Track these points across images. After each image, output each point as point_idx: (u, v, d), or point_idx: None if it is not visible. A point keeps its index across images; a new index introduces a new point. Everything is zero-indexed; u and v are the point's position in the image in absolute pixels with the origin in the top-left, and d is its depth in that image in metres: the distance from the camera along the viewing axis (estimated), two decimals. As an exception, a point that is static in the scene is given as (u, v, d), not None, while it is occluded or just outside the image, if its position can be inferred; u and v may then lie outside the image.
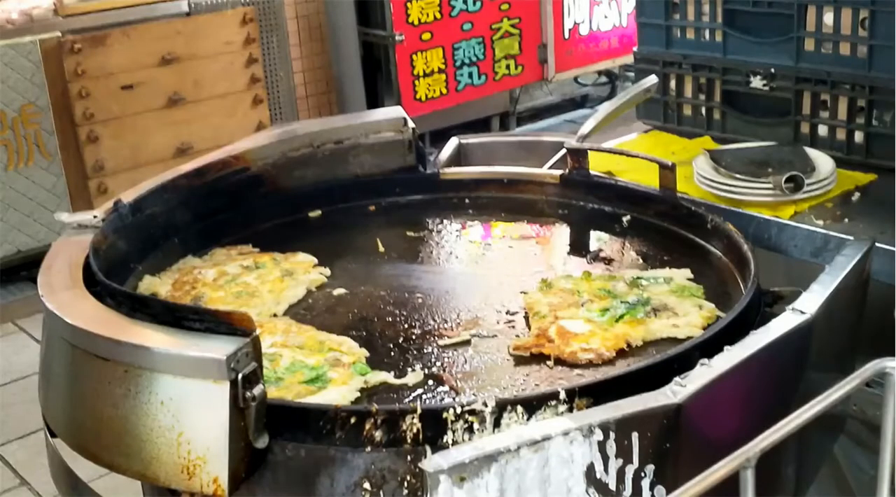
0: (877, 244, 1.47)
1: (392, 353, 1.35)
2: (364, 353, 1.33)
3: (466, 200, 1.87)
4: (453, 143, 2.13)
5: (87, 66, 3.85)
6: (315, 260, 1.63)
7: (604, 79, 6.13)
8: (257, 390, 1.06)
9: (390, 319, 1.45)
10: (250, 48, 4.34)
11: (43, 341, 1.30)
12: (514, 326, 1.41)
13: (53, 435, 1.25)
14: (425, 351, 1.35)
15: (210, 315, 1.11)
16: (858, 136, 1.91)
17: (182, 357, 1.07)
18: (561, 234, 1.78)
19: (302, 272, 1.57)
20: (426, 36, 4.94)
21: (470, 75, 5.21)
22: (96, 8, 3.93)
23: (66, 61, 3.82)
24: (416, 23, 4.88)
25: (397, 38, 4.79)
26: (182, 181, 1.63)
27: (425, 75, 5.01)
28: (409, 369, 1.29)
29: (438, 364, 1.31)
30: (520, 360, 1.31)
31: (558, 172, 1.85)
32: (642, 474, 1.05)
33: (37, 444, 2.76)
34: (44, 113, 3.83)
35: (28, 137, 3.81)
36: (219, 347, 1.05)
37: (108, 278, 1.32)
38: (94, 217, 1.44)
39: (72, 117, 3.88)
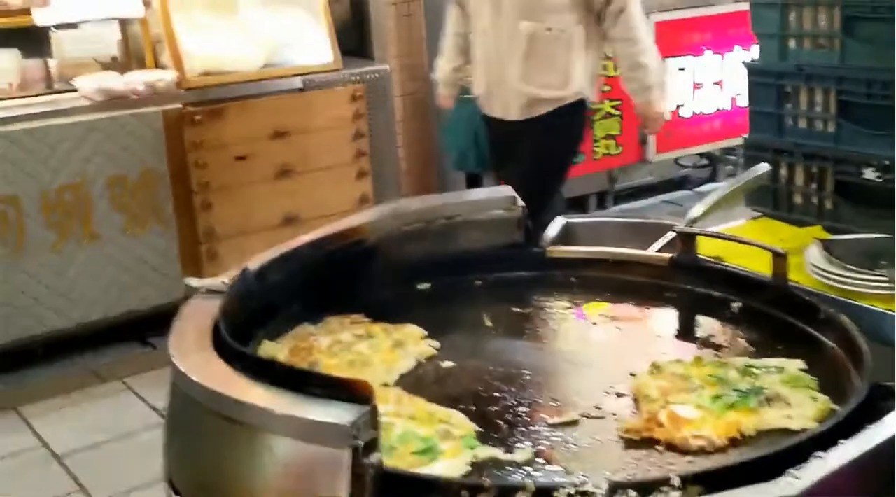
0: None
1: (500, 429, 1.36)
2: (473, 426, 1.35)
3: (573, 279, 1.89)
4: (560, 221, 2.16)
5: (205, 136, 4.04)
6: (425, 332, 1.67)
7: (704, 161, 6.11)
8: (374, 458, 1.09)
9: (498, 395, 1.47)
10: (358, 123, 4.50)
11: (170, 400, 1.37)
12: (623, 409, 1.41)
13: (177, 493, 1.30)
14: (533, 428, 1.36)
15: (331, 381, 1.15)
16: (977, 231, 1.87)
17: (305, 421, 1.11)
18: (669, 317, 1.78)
19: (412, 343, 1.61)
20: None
21: (570, 154, 5.25)
22: (217, 82, 4.15)
23: (185, 132, 4.02)
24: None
25: (498, 116, 4.88)
26: (302, 250, 1.70)
27: (524, 153, 5.08)
28: (518, 446, 1.30)
29: (547, 442, 1.32)
30: (629, 444, 1.31)
31: (667, 255, 1.86)
32: (756, 567, 1.04)
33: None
34: (162, 180, 4.02)
35: (146, 203, 4.00)
36: (341, 414, 1.09)
37: (229, 342, 1.38)
38: (223, 283, 1.52)
39: (188, 185, 4.06)
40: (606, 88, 5.31)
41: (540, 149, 3.44)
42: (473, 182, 4.84)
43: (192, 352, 1.32)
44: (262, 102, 4.22)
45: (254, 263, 1.61)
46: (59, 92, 4.08)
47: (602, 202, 5.69)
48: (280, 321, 1.65)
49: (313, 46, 4.45)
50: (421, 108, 5.20)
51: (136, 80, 4.03)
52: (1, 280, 3.74)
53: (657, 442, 1.30)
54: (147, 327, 3.97)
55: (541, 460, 1.28)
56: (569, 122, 3.44)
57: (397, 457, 1.24)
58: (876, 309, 1.68)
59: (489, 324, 1.74)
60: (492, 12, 3.38)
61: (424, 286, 1.87)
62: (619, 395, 1.45)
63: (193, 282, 1.52)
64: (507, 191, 1.97)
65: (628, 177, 5.85)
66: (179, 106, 4.04)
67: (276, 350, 1.56)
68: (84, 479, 3.12)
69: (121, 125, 3.92)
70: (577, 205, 5.41)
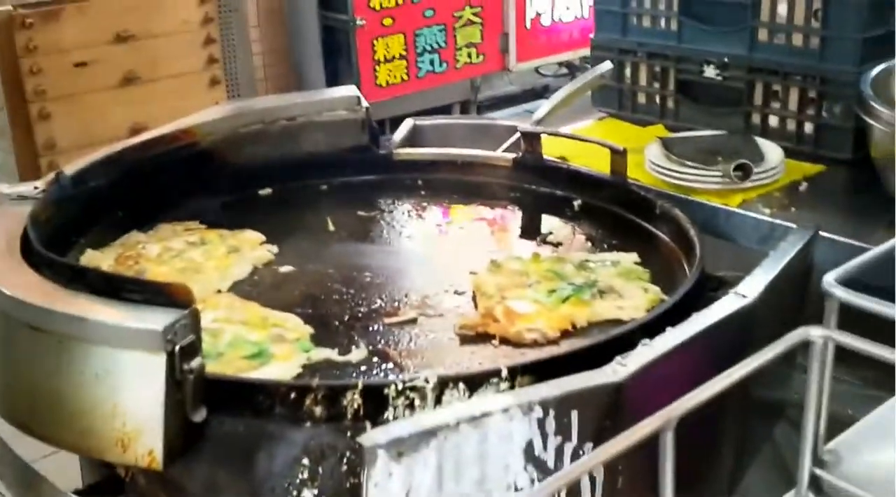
0: (821, 233, 1.49)
1: (337, 331, 1.34)
2: (308, 330, 1.31)
3: (419, 181, 1.86)
4: (408, 124, 2.12)
5: (38, 41, 3.77)
6: (263, 237, 1.61)
7: (564, 70, 6.15)
8: (195, 363, 1.05)
9: (337, 297, 1.43)
10: (208, 28, 4.28)
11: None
12: (461, 306, 1.41)
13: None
14: (371, 329, 1.34)
15: (148, 286, 1.09)
16: (808, 127, 1.93)
17: (118, 327, 1.05)
18: (512, 217, 1.78)
19: (249, 249, 1.56)
20: (387, 21, 4.92)
21: (431, 62, 5.20)
22: (50, -19, 3.85)
23: (16, 36, 3.73)
24: (377, 7, 4.86)
25: (358, 22, 4.76)
26: (128, 154, 1.60)
27: (386, 61, 4.99)
28: (354, 347, 1.28)
29: (383, 342, 1.30)
30: (465, 339, 1.31)
31: (511, 156, 1.85)
32: (581, 452, 1.05)
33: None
34: (-7, 88, 3.75)
35: (-25, 113, 3.72)
36: (156, 318, 1.03)
37: (49, 251, 1.29)
38: (35, 188, 1.41)
39: (23, 94, 3.80)
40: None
41: None
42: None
43: (-3, 260, 1.22)
44: (101, 4, 3.95)
45: (71, 167, 1.50)
46: None
47: (465, 112, 5.67)
48: (105, 229, 1.56)
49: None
50: (278, 13, 4.99)
51: (-43, -22, 3.70)
52: None
53: (492, 337, 1.30)
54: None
55: (376, 359, 1.26)
56: None
57: (226, 362, 1.20)
58: (710, 203, 1.72)
59: (332, 228, 1.70)
60: None
61: (265, 191, 1.81)
62: (458, 293, 1.44)
63: (3, 187, 1.41)
64: (351, 90, 1.91)
65: (490, 86, 5.84)
66: (9, 8, 3.75)
67: (99, 259, 1.48)
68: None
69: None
70: (440, 114, 5.37)
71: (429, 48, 5.16)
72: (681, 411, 0.82)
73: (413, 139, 2.11)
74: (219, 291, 1.43)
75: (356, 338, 1.32)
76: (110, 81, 4.02)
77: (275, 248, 1.58)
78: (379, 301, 1.42)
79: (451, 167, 1.88)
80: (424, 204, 1.82)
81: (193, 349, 1.05)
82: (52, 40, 3.81)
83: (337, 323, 1.36)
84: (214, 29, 4.30)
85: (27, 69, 3.77)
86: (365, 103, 1.88)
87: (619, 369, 1.07)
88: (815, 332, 0.93)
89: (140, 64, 4.09)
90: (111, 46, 3.98)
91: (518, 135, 1.86)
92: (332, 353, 1.25)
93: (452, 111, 5.60)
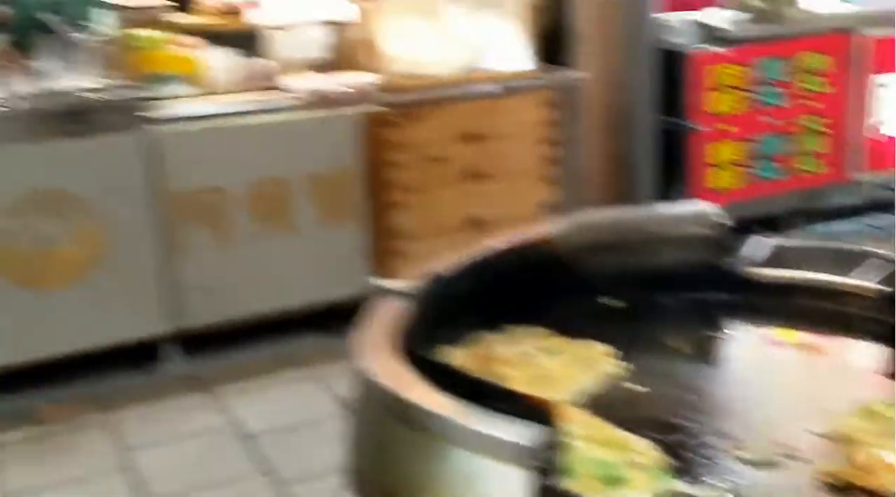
0: None
1: (688, 462, 1.30)
2: (662, 457, 1.29)
3: (774, 305, 1.78)
4: (763, 243, 2.04)
5: (401, 137, 4.13)
6: (611, 350, 1.62)
7: (908, 185, 5.65)
8: (557, 481, 1.06)
9: (686, 424, 1.40)
10: (549, 131, 4.46)
11: (353, 400, 1.39)
12: (820, 450, 1.31)
13: (356, 492, 1.32)
14: (724, 464, 1.29)
15: (517, 397, 1.13)
16: None
17: (487, 437, 1.09)
18: (873, 352, 1.64)
19: (599, 361, 1.57)
20: (725, 127, 4.85)
21: (768, 169, 5.03)
22: (417, 85, 4.23)
23: (382, 132, 4.12)
24: (716, 113, 4.81)
25: (696, 127, 4.74)
26: (492, 258, 1.69)
27: (721, 166, 4.91)
28: (707, 482, 1.24)
29: (738, 480, 1.25)
30: (830, 490, 1.22)
31: (877, 286, 1.72)
32: None
33: (327, 487, 2.90)
34: (357, 177, 4.15)
35: (342, 199, 4.14)
36: (525, 433, 1.06)
37: (415, 346, 1.39)
38: (411, 286, 1.53)
39: (381, 183, 4.17)
40: (818, 105, 5.02)
41: None
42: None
43: (374, 353, 1.33)
44: (457, 106, 4.26)
45: (444, 269, 1.61)
46: (270, 89, 4.28)
47: (800, 222, 5.38)
48: (463, 328, 1.65)
49: (512, 52, 4.46)
50: (615, 120, 5.10)
51: (342, 81, 4.18)
52: (206, 264, 3.97)
53: (862, 490, 1.19)
54: (332, 317, 4.09)
55: (731, 499, 1.20)
56: None
57: (580, 481, 1.20)
58: None
59: (680, 346, 1.67)
60: None
61: (614, 302, 1.82)
62: (819, 435, 1.34)
63: (383, 283, 1.54)
64: (705, 207, 1.89)
65: (829, 197, 5.51)
66: (379, 107, 4.15)
67: (457, 357, 1.56)
68: (269, 461, 3.25)
69: (323, 124, 4.07)
70: (774, 223, 5.14)
71: (767, 155, 5.01)
72: None
73: (767, 258, 2.03)
74: (569, 403, 1.45)
75: (708, 472, 1.27)
76: (456, 176, 4.30)
77: (623, 363, 1.58)
78: (731, 433, 1.37)
79: (810, 293, 1.78)
80: (777, 329, 1.74)
81: (556, 467, 1.07)
82: (412, 137, 4.16)
83: (688, 453, 1.32)
84: (555, 131, 4.47)
85: (388, 162, 4.14)
86: (720, 220, 1.85)
87: None
88: None
89: (484, 161, 4.34)
90: (461, 144, 4.27)
91: (883, 263, 1.73)
92: (686, 487, 1.22)
93: (786, 220, 5.35)
